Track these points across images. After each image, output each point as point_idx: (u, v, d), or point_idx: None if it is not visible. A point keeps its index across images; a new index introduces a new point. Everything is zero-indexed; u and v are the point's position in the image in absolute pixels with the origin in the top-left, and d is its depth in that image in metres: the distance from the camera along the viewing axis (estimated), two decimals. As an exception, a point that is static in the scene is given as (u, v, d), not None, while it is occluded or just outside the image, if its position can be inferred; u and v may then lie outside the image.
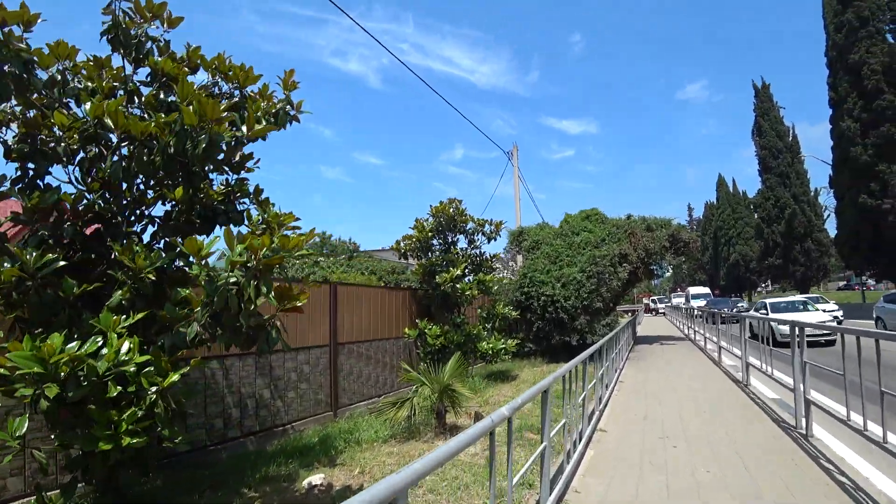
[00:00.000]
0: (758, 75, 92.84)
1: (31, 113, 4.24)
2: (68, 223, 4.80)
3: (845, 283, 72.22)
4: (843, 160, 29.75)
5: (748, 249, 56.38)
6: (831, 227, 44.25)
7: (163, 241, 5.21)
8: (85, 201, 4.90)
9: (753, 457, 4.88)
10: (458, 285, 10.66)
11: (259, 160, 6.24)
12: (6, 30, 3.70)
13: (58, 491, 4.33)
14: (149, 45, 5.31)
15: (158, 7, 4.82)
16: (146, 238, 5.23)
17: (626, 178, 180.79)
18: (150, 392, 3.97)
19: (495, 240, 11.94)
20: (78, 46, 4.84)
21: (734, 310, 28.24)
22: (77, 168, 4.95)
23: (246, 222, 5.58)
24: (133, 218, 5.21)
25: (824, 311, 18.99)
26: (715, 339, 12.62)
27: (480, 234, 11.87)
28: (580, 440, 5.10)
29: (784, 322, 6.49)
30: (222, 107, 3.76)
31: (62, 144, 4.60)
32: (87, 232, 5.00)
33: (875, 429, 3.98)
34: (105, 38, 4.98)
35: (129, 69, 5.17)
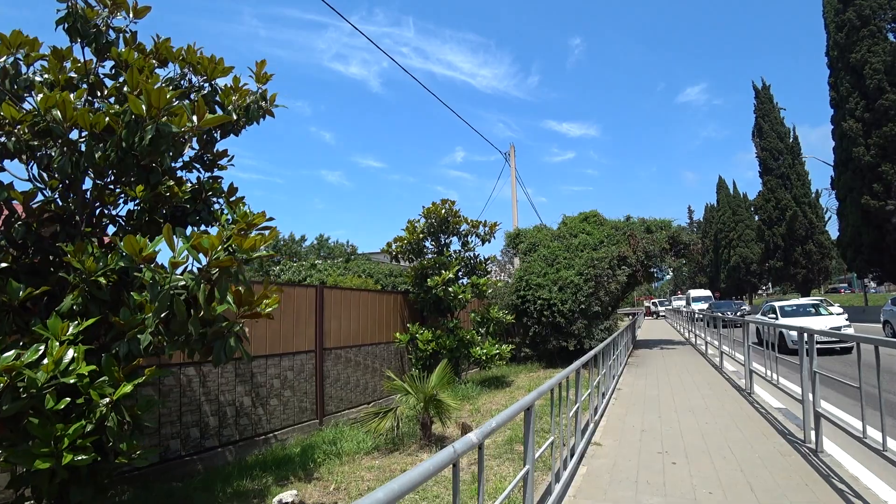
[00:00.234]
0: (758, 77, 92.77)
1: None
2: (20, 223, 4.46)
3: (846, 285, 71.77)
4: (845, 161, 29.38)
5: (749, 252, 55.97)
6: (832, 230, 43.95)
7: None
8: (41, 199, 4.58)
9: (759, 476, 4.51)
10: (450, 288, 10.30)
11: (233, 157, 5.93)
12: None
13: (1, 512, 3.98)
14: (112, 35, 5.01)
15: (122, -5, 4.48)
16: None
17: (627, 180, 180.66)
18: (101, 404, 3.63)
19: (490, 242, 11.64)
20: (51, 42, 4.49)
21: (738, 313, 27.73)
22: (36, 164, 4.63)
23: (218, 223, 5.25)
24: (94, 218, 4.89)
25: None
26: (716, 343, 12.24)
27: (474, 236, 11.51)
28: (571, 457, 4.73)
29: (797, 328, 5.83)
30: (168, 94, 3.38)
31: (12, 139, 4.27)
32: (48, 232, 4.68)
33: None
34: (61, 27, 4.65)
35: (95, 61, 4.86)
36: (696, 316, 18.63)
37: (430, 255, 11.27)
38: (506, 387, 11.31)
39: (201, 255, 3.27)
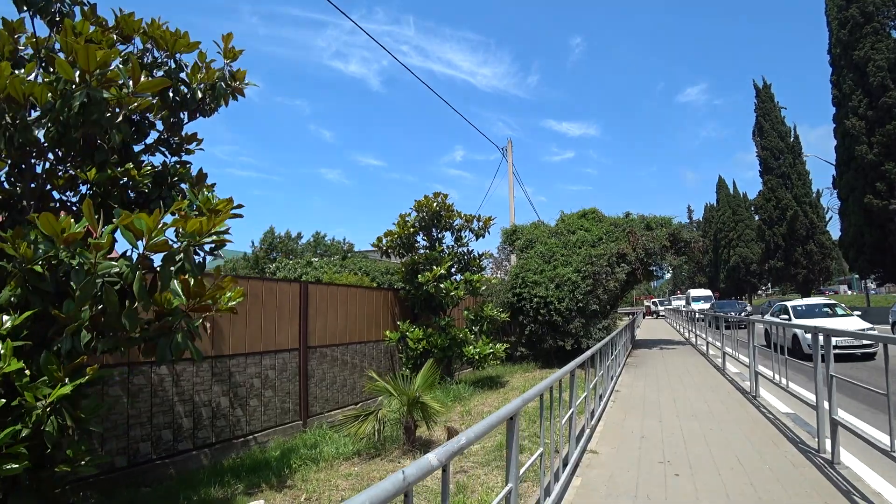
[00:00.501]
0: (758, 76, 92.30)
1: None
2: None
3: (846, 286, 71.45)
4: (848, 160, 28.97)
5: (748, 252, 55.58)
6: (833, 230, 43.55)
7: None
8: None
9: (771, 491, 4.08)
10: (442, 285, 9.86)
11: (202, 140, 5.51)
12: None
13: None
14: (68, 7, 4.59)
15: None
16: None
17: (626, 180, 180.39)
18: (38, 407, 3.21)
19: (484, 237, 11.15)
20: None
21: (742, 313, 27.15)
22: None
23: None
24: (42, 203, 4.46)
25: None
26: (718, 344, 11.83)
27: (468, 231, 11.07)
28: (564, 468, 4.31)
29: (821, 329, 5.07)
30: (100, 54, 2.94)
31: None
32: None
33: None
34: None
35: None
36: (698, 316, 18.16)
37: (421, 251, 10.83)
38: (500, 387, 10.89)
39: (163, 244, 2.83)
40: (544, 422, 3.52)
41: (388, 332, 10.28)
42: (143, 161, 5.03)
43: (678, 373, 11.05)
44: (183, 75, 5.02)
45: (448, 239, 11.11)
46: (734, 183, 62.18)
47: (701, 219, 72.86)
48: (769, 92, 46.41)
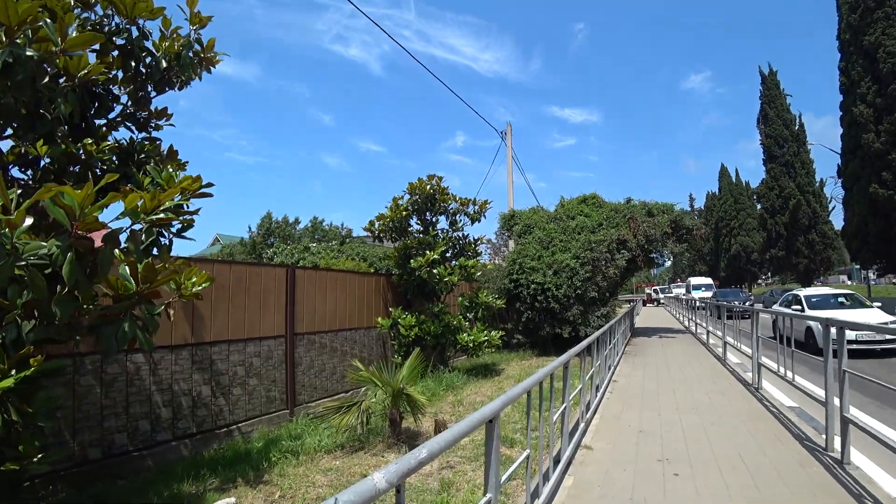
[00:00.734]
0: (764, 63, 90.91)
1: None
2: None
3: (846, 276, 71.16)
4: (854, 148, 28.42)
5: (750, 241, 55.17)
6: (836, 220, 43.15)
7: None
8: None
9: (777, 493, 3.79)
10: (435, 270, 9.53)
11: (171, 115, 5.15)
12: None
13: None
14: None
15: None
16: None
17: (628, 167, 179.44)
18: (-23, 401, 2.91)
19: (480, 221, 10.77)
20: None
21: (746, 303, 26.65)
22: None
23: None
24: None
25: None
26: (720, 333, 11.53)
27: (463, 215, 10.69)
28: (556, 465, 4.01)
29: (837, 323, 4.49)
30: (23, 7, 2.56)
31: None
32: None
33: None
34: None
35: None
36: (699, 304, 17.82)
37: (415, 235, 10.48)
38: (495, 375, 10.62)
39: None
40: (532, 422, 3.21)
41: (379, 319, 9.99)
42: (112, 138, 4.70)
43: (678, 362, 10.77)
44: (149, 44, 4.66)
45: (442, 223, 10.77)
46: (737, 171, 61.38)
47: (702, 207, 72.31)
48: (775, 79, 45.61)
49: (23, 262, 2.32)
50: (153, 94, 4.89)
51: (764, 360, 7.43)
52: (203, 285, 4.05)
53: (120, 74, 4.60)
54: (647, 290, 56.71)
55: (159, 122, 5.05)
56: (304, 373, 8.43)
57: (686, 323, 21.22)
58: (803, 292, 14.36)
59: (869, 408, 6.49)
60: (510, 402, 2.49)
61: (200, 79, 5.17)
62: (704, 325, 15.01)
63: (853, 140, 28.44)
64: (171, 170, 4.27)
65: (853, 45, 28.95)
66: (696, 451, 4.78)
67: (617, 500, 3.75)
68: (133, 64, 4.58)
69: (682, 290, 42.93)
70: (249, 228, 42.08)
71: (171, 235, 4.46)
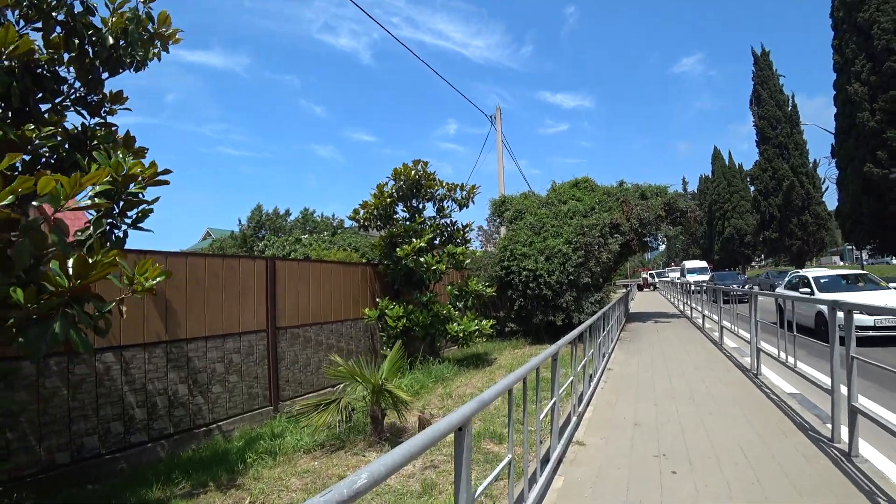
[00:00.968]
0: (757, 44, 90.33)
1: None
2: None
3: (838, 257, 71.41)
4: (848, 128, 28.18)
5: (743, 223, 55.11)
6: (829, 200, 43.07)
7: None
8: None
9: (783, 491, 3.51)
10: (422, 258, 9.19)
11: (127, 99, 4.78)
12: None
13: None
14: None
15: None
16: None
17: (620, 152, 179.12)
18: None
19: (468, 207, 10.41)
20: None
21: (745, 285, 26.32)
22: None
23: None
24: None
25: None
26: (716, 318, 11.29)
27: (451, 201, 10.33)
28: (544, 466, 3.72)
29: (851, 306, 4.02)
30: None
31: None
32: None
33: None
34: None
35: None
36: (694, 288, 17.58)
37: (400, 222, 10.11)
38: (486, 365, 10.35)
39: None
40: (518, 420, 2.91)
41: (366, 310, 9.67)
42: (71, 125, 4.33)
43: (674, 348, 10.53)
44: (97, 21, 4.27)
45: (430, 210, 10.40)
46: (730, 154, 61.39)
47: (696, 190, 72.16)
48: (768, 59, 45.18)
49: None
50: (105, 75, 4.52)
51: (763, 344, 7.17)
52: (157, 279, 3.72)
53: (67, 56, 4.23)
54: (644, 275, 55.70)
55: (114, 107, 4.68)
56: (289, 368, 8.13)
57: (681, 307, 21.04)
58: (811, 273, 13.13)
59: (870, 391, 6.24)
60: (484, 406, 2.18)
61: (159, 59, 4.81)
62: (700, 308, 14.78)
63: (847, 119, 28.19)
64: (121, 156, 3.90)
65: (847, 23, 28.60)
66: (694, 445, 4.50)
67: (612, 502, 3.46)
68: (77, 42, 4.19)
69: (677, 275, 42.78)
70: (239, 221, 41.45)
71: (127, 227, 4.11)
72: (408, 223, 9.94)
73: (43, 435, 4.97)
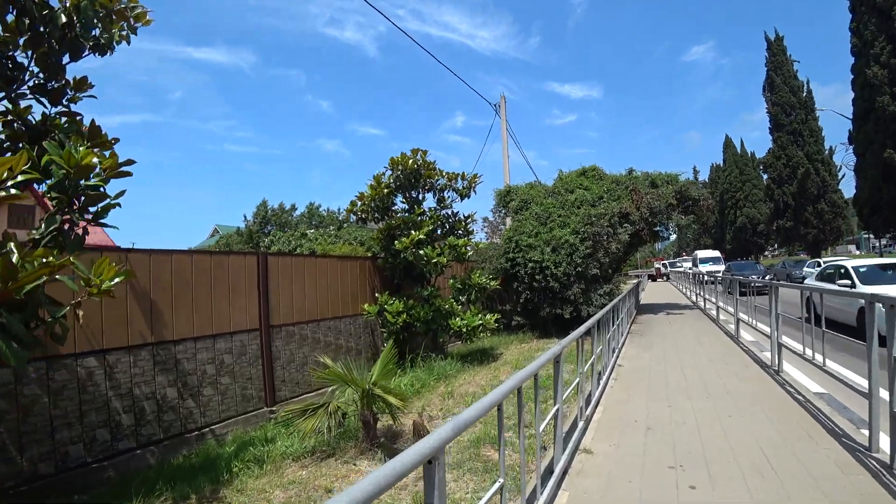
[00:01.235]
0: (770, 29, 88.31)
1: None
2: None
3: (854, 246, 70.02)
4: (867, 112, 27.27)
5: (756, 212, 54.05)
6: (846, 188, 41.99)
7: None
8: None
9: (818, 509, 3.09)
10: (422, 251, 8.79)
11: (93, 86, 4.42)
12: None
13: None
14: None
15: None
16: None
17: (629, 142, 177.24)
18: None
19: (469, 197, 9.98)
20: None
21: (766, 276, 25.17)
22: None
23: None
24: None
25: None
26: (731, 309, 10.79)
27: (452, 191, 9.90)
28: (544, 484, 3.32)
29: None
30: None
31: None
32: None
33: None
34: None
35: None
36: (708, 279, 16.99)
37: (399, 214, 9.71)
38: (492, 361, 9.95)
39: None
40: (503, 447, 2.51)
41: (366, 306, 9.31)
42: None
43: (687, 342, 10.05)
44: (54, 1, 3.91)
45: (430, 201, 9.99)
46: (741, 142, 60.09)
47: (707, 179, 70.90)
48: (781, 45, 44.01)
49: None
50: (66, 59, 4.16)
51: (785, 339, 6.69)
52: (116, 280, 3.37)
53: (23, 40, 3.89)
54: (657, 265, 54.45)
55: (77, 94, 4.33)
56: (285, 367, 7.82)
57: (693, 298, 20.48)
58: (850, 263, 11.63)
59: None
60: (463, 430, 1.78)
61: (128, 42, 4.43)
62: (714, 300, 14.26)
63: (866, 103, 27.29)
64: (77, 146, 3.54)
65: (864, 5, 27.64)
66: (713, 454, 4.07)
67: (621, 525, 3.06)
68: (27, 22, 3.83)
69: (689, 264, 41.94)
70: (245, 217, 41.34)
71: (85, 223, 3.77)
72: (406, 215, 9.53)
73: (24, 445, 4.75)
